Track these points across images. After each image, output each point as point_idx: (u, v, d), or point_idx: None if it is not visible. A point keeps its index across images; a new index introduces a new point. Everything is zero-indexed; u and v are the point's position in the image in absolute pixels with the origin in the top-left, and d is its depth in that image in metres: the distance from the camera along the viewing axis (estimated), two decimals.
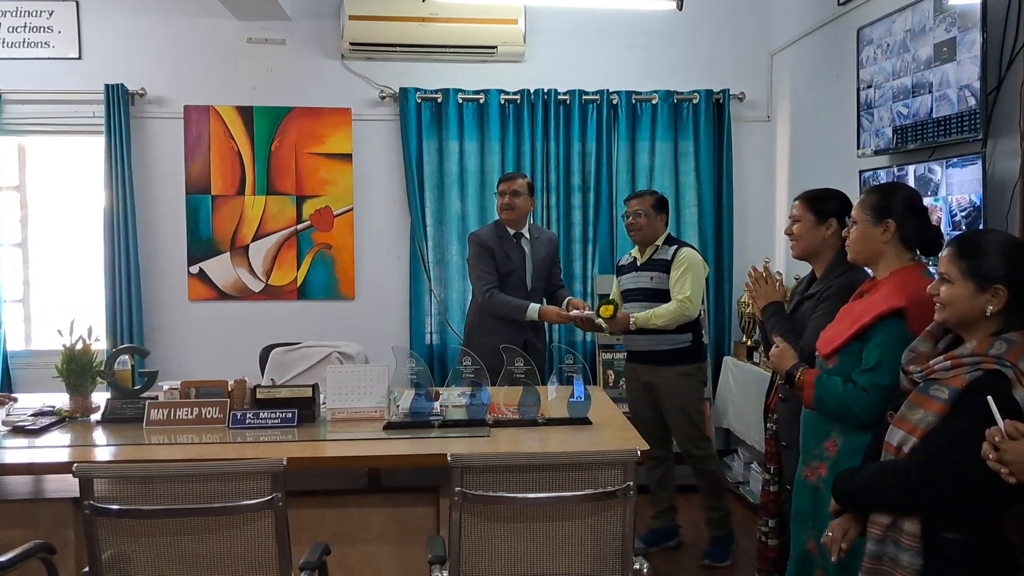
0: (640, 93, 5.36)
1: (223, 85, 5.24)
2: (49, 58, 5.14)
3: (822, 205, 2.92)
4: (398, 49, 5.21)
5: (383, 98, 5.31)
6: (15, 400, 3.60)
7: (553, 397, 3.38)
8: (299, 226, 5.31)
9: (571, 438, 2.93)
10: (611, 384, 5.10)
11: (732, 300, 5.40)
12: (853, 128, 4.09)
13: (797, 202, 2.99)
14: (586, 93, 5.33)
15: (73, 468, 2.13)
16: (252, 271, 5.31)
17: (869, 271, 2.62)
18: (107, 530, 2.16)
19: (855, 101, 4.05)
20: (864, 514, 2.02)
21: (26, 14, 5.08)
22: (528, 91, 5.29)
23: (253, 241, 5.29)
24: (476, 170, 5.32)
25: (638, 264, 4.16)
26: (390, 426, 3.05)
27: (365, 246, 5.39)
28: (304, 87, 5.28)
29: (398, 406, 3.24)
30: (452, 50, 5.26)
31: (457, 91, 5.28)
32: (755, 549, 3.21)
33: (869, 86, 3.95)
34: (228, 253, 5.29)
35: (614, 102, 5.35)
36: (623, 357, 4.42)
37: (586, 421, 3.11)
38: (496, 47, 5.23)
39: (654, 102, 5.36)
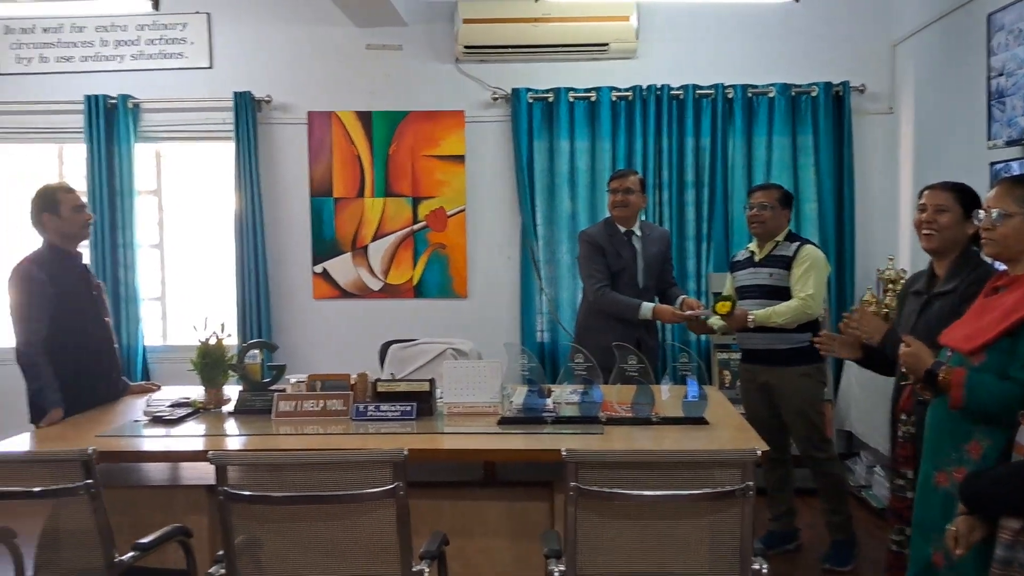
0: (756, 87, 5.25)
1: (343, 91, 5.42)
2: (182, 68, 5.44)
3: (969, 199, 2.78)
4: (510, 50, 5.27)
5: (495, 99, 5.38)
6: (158, 388, 3.83)
7: (667, 396, 3.35)
8: (415, 227, 5.44)
9: (686, 437, 2.90)
10: (727, 385, 5.01)
11: (854, 299, 5.22)
12: (983, 118, 3.89)
13: (944, 192, 2.83)
14: (700, 88, 5.25)
15: (209, 455, 2.25)
16: (371, 270, 5.48)
17: (1000, 266, 2.48)
18: (240, 515, 2.27)
19: (985, 90, 3.85)
20: (993, 518, 1.93)
21: (162, 27, 5.39)
22: (640, 87, 5.27)
23: (372, 241, 5.45)
24: (587, 168, 5.32)
25: (756, 260, 4.07)
26: (504, 421, 3.10)
27: (477, 246, 5.48)
28: (419, 91, 5.41)
29: (511, 402, 3.28)
30: (563, 49, 5.29)
31: (568, 90, 5.30)
32: (883, 557, 3.09)
33: (1000, 74, 3.75)
34: (349, 253, 5.47)
35: (729, 96, 5.26)
36: (739, 357, 4.34)
37: (702, 421, 3.07)
38: (608, 44, 5.23)
39: (771, 96, 5.24)
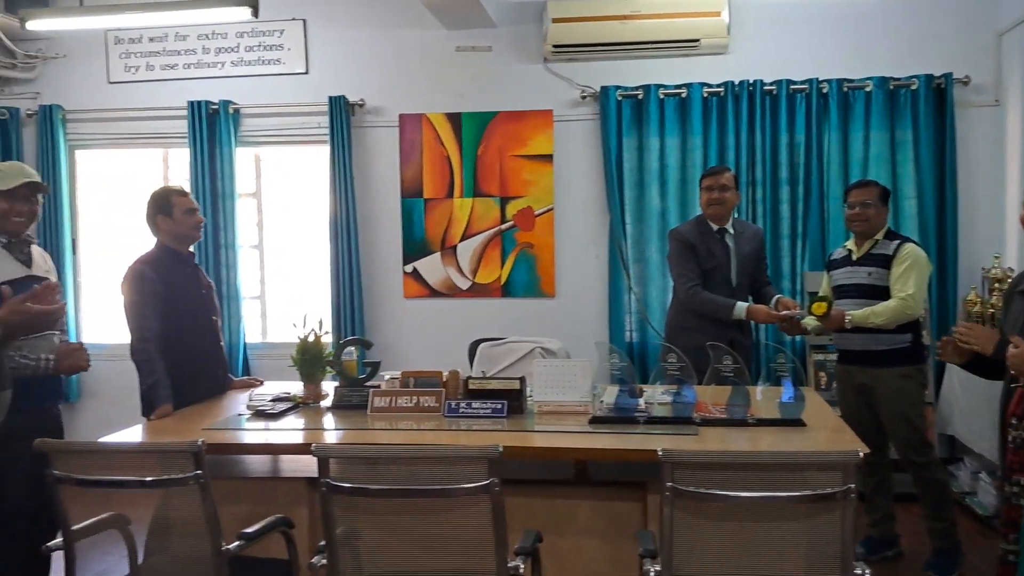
0: (852, 81, 5.12)
1: (434, 93, 5.50)
2: (280, 74, 5.61)
3: None
4: (599, 48, 5.26)
5: (584, 98, 5.38)
6: (260, 383, 3.97)
7: (760, 398, 3.29)
8: (503, 226, 5.49)
9: (783, 439, 2.85)
10: (823, 386, 4.89)
11: (956, 299, 5.03)
12: None
13: None
14: (794, 83, 5.15)
15: (312, 448, 2.32)
16: (460, 270, 5.54)
17: None
18: (340, 507, 2.33)
19: None
20: None
21: (261, 34, 5.57)
22: (732, 83, 5.19)
23: (461, 241, 5.52)
24: (677, 166, 5.27)
25: (853, 258, 3.96)
26: (596, 420, 3.09)
27: (565, 245, 5.48)
28: (508, 91, 5.45)
29: (602, 401, 3.28)
30: (653, 46, 5.25)
31: (658, 87, 5.26)
32: (994, 567, 2.97)
33: None
34: (439, 253, 5.55)
35: (824, 91, 5.14)
36: (835, 358, 4.23)
37: (799, 422, 3.01)
38: (699, 40, 5.17)
39: (868, 89, 5.10)
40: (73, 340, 5.62)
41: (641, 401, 3.22)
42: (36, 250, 3.33)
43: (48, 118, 5.64)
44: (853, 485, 2.14)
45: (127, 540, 2.72)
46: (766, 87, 5.17)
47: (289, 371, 3.75)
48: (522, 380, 3.32)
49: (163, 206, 3.60)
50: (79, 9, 4.60)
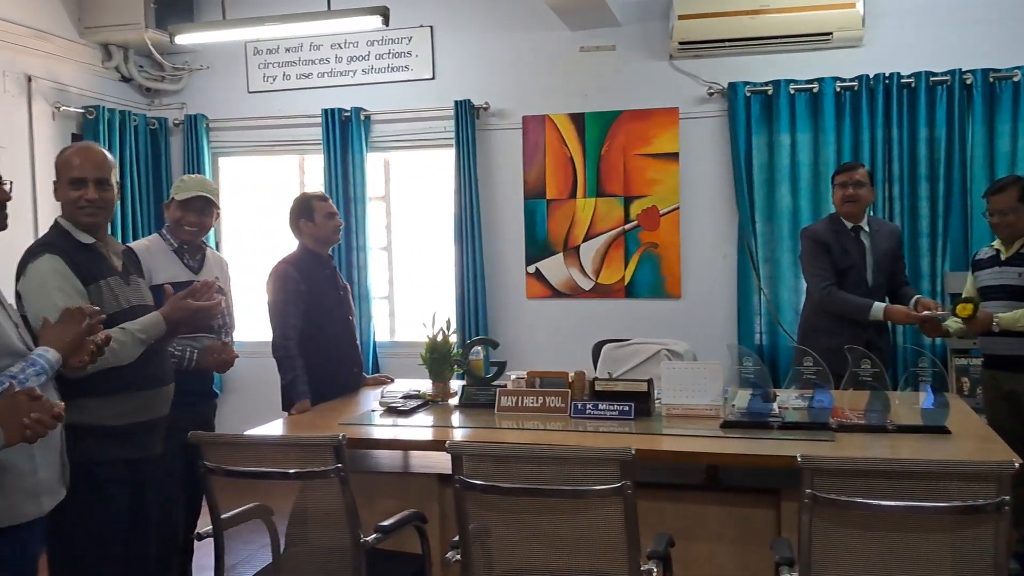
0: (999, 71, 4.83)
1: (557, 94, 5.52)
2: (408, 80, 5.75)
3: None
4: (727, 44, 5.15)
5: (711, 95, 5.29)
6: (391, 381, 4.09)
7: (897, 403, 3.16)
8: (626, 226, 5.45)
9: (926, 447, 2.73)
10: (966, 392, 4.63)
11: None
12: None
13: None
14: (934, 75, 4.90)
15: (446, 445, 2.38)
16: (583, 270, 5.54)
17: None
18: (473, 503, 2.38)
19: None
20: None
21: (390, 42, 5.73)
22: (867, 76, 4.99)
23: (584, 242, 5.52)
24: (809, 163, 5.11)
25: (1002, 258, 3.75)
26: (727, 424, 3.04)
27: (691, 244, 5.40)
28: (632, 90, 5.41)
29: (733, 405, 3.22)
30: (783, 40, 5.10)
31: (789, 82, 5.11)
32: None
33: None
34: (561, 253, 5.57)
35: (967, 82, 4.87)
36: (980, 362, 4.01)
37: (943, 430, 2.87)
38: (831, 33, 4.99)
39: (1016, 80, 4.81)
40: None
41: (774, 405, 3.14)
42: (211, 257, 3.57)
43: (193, 127, 5.97)
44: (1007, 497, 2.03)
45: (271, 530, 2.86)
46: (903, 80, 4.95)
47: (415, 369, 3.84)
48: (650, 382, 3.30)
49: (305, 210, 3.77)
50: (223, 23, 4.84)
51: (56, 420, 1.99)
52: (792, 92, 5.11)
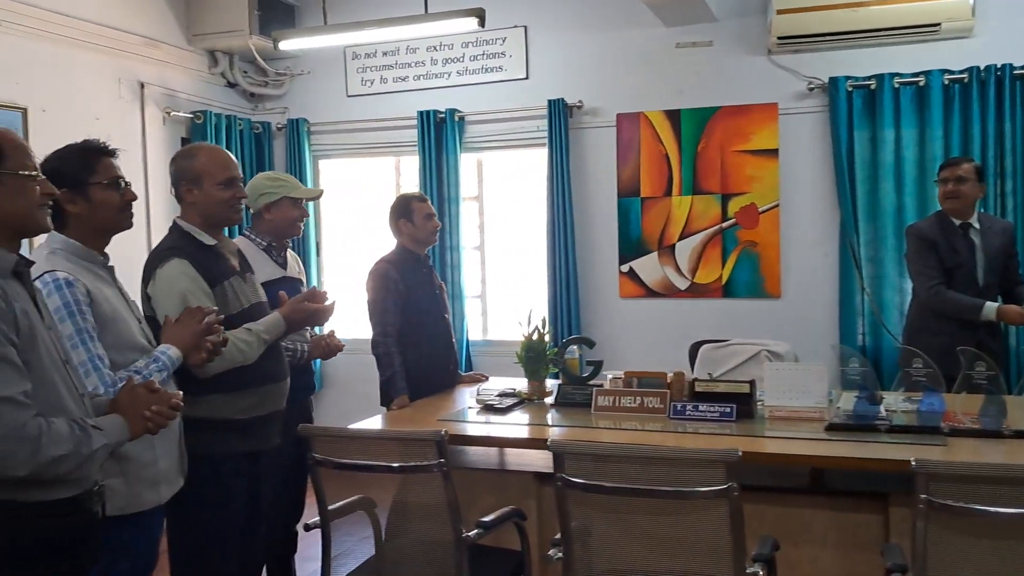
0: None
1: (652, 91, 5.47)
2: (502, 80, 5.79)
3: None
4: (828, 38, 5.02)
5: (811, 89, 5.16)
6: (486, 379, 4.13)
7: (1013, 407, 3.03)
8: (724, 224, 5.37)
9: None
10: None
11: None
12: None
13: None
14: None
15: (548, 443, 2.38)
16: (678, 269, 5.48)
17: None
18: (574, 502, 2.38)
19: None
20: None
21: (484, 43, 5.78)
22: (977, 68, 4.79)
23: (679, 240, 5.45)
24: (915, 159, 4.94)
25: None
26: (832, 427, 2.96)
27: (791, 243, 5.28)
28: (729, 86, 5.32)
29: (839, 407, 3.14)
30: (887, 33, 4.93)
31: (893, 75, 4.95)
32: None
33: None
34: (656, 252, 5.51)
35: None
36: None
37: None
38: (939, 24, 4.80)
39: None
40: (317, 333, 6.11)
41: (882, 408, 3.05)
42: (291, 254, 3.67)
43: (295, 131, 6.14)
44: None
45: (374, 522, 2.92)
46: (1016, 71, 4.73)
47: (507, 367, 3.87)
48: (752, 383, 3.24)
49: (405, 211, 3.85)
50: (324, 28, 4.97)
51: (175, 411, 2.06)
52: (897, 86, 4.94)
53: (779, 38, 5.06)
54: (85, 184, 2.34)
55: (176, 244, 2.77)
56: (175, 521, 2.65)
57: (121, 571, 2.27)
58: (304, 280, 3.74)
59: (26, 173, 1.88)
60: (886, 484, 2.72)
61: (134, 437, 1.99)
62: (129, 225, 2.46)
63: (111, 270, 2.45)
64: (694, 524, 2.24)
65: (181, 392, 2.18)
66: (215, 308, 2.53)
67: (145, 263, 2.78)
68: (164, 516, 2.52)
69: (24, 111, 4.51)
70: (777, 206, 5.25)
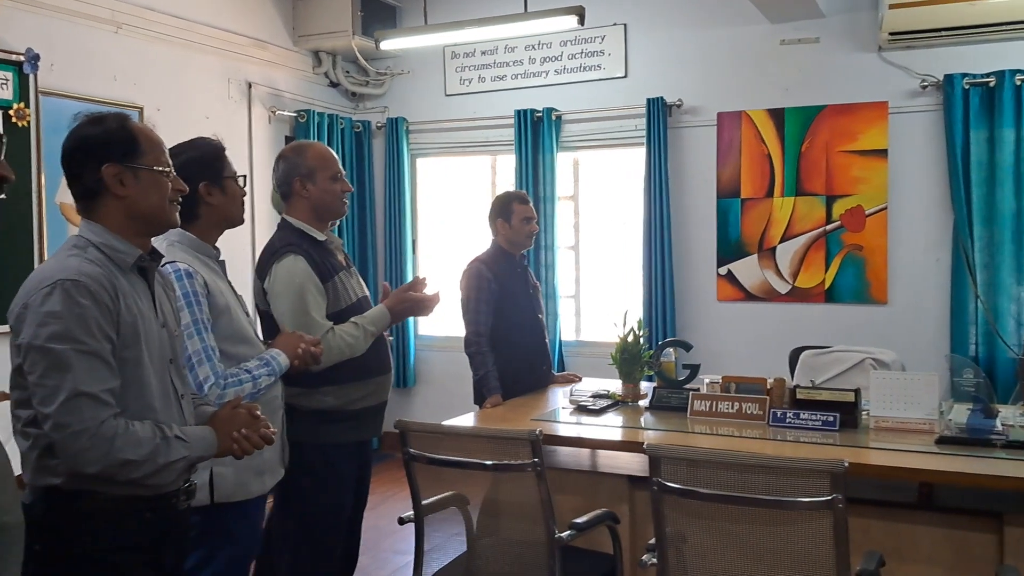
0: None
1: (754, 89, 5.34)
2: (600, 79, 5.74)
3: None
4: (942, 34, 4.80)
5: (924, 87, 4.94)
6: (580, 379, 4.10)
7: None
8: (828, 227, 5.19)
9: None
10: None
11: None
12: None
13: None
14: None
15: (645, 446, 2.34)
16: (779, 273, 5.33)
17: None
18: (670, 508, 2.33)
19: None
20: None
21: (583, 41, 5.75)
22: None
23: (781, 243, 5.31)
24: None
25: None
26: (943, 441, 2.83)
27: (900, 247, 5.07)
28: (836, 84, 5.15)
29: (950, 420, 2.99)
30: (1008, 28, 4.70)
31: (1014, 72, 4.70)
32: None
33: None
34: (755, 255, 5.38)
35: None
36: None
37: None
38: None
39: None
40: (410, 331, 6.19)
41: (997, 422, 2.89)
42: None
43: (395, 130, 6.24)
44: None
45: (466, 519, 2.93)
46: None
47: (600, 368, 3.82)
48: (857, 392, 3.12)
49: (504, 210, 3.85)
50: (424, 28, 5.02)
51: (264, 442, 2.00)
52: (1018, 83, 4.69)
53: (891, 34, 4.86)
54: (221, 177, 2.42)
55: (292, 240, 2.83)
56: (283, 507, 2.73)
57: (223, 558, 2.34)
58: None
59: (160, 169, 1.92)
60: (1001, 503, 2.59)
61: (221, 455, 1.95)
62: (242, 220, 2.53)
63: (223, 264, 2.52)
64: (795, 535, 2.17)
65: (275, 429, 2.10)
66: (315, 339, 2.58)
67: (260, 258, 2.87)
68: (264, 506, 2.58)
69: (140, 110, 4.72)
70: (885, 208, 5.05)
